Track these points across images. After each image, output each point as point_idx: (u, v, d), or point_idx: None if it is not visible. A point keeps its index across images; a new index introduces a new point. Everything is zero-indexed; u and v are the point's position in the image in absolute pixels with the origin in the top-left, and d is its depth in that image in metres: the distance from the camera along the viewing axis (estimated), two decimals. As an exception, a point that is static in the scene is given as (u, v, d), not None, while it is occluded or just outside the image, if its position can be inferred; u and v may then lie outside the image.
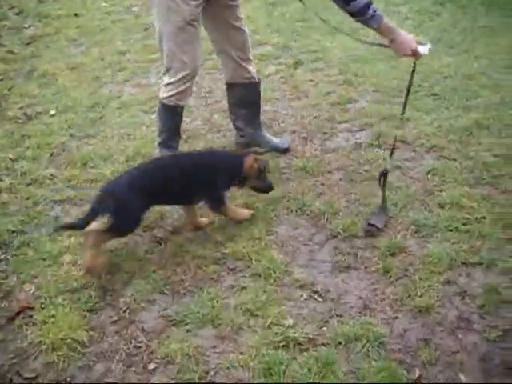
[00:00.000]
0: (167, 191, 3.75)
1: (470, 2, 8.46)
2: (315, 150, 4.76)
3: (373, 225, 3.82)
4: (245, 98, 4.63)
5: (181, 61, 4.11)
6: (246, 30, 4.49)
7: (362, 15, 3.79)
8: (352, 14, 3.82)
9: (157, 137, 4.48)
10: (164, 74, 4.27)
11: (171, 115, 4.36)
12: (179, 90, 4.21)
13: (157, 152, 4.45)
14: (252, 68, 4.59)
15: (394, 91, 5.74)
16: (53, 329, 3.17)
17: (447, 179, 4.32)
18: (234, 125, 4.83)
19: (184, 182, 3.72)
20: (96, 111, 5.66)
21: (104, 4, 9.14)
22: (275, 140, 4.82)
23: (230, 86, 4.68)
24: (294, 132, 5.09)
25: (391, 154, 4.04)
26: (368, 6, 3.75)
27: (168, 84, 4.23)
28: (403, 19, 7.92)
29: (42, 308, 3.35)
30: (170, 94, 4.23)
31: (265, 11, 8.30)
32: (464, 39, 7.18)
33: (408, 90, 4.03)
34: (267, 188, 4.02)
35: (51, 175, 4.60)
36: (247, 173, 3.86)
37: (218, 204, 3.87)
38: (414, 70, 3.95)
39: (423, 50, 3.88)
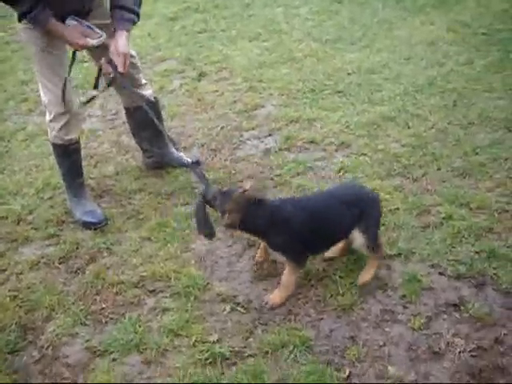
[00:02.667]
0: None
1: (366, -3, 8.62)
2: (225, 161, 4.74)
3: None
4: (145, 120, 4.45)
5: (50, 92, 3.92)
6: (134, 54, 4.30)
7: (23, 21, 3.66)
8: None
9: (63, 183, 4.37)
10: (45, 112, 4.09)
11: (66, 155, 4.21)
12: (62, 123, 4.02)
13: (68, 205, 4.32)
14: (147, 91, 4.44)
15: (299, 93, 5.79)
16: (-28, 378, 3.05)
17: (359, 174, 4.37)
18: (140, 147, 4.75)
19: None
20: (1, 145, 5.49)
21: (2, 34, 8.91)
22: (184, 156, 4.76)
23: (128, 111, 4.58)
24: (202, 145, 5.05)
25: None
26: (25, 14, 3.57)
27: (50, 121, 4.04)
28: (303, 20, 8.00)
29: (-41, 357, 3.20)
30: (55, 132, 4.06)
31: (165, 26, 8.24)
32: (364, 35, 7.28)
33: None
34: None
35: (-42, 215, 4.42)
36: None
37: None
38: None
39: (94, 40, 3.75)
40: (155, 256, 3.78)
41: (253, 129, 5.25)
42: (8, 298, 3.55)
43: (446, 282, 3.38)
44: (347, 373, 2.89)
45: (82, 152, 5.03)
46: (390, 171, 4.41)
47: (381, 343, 3.04)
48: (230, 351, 3.04)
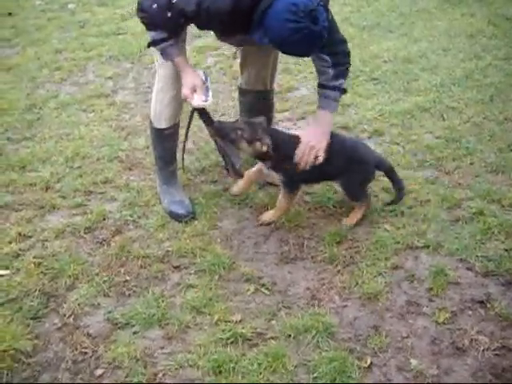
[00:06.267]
0: None
1: (407, -15, 8.52)
2: (257, 141, 4.69)
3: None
4: (255, 106, 4.33)
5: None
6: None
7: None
8: None
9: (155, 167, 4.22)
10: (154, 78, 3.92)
11: (160, 139, 4.03)
12: (170, 95, 3.82)
13: (158, 190, 4.16)
14: (270, 76, 4.29)
15: (334, 77, 5.73)
16: (-6, 341, 3.05)
17: (391, 163, 4.31)
18: None
19: None
20: (33, 112, 5.49)
21: (39, 2, 8.91)
22: None
23: (242, 92, 4.43)
24: (235, 123, 5.00)
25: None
26: (157, 42, 3.48)
27: (158, 92, 3.87)
28: (341, 5, 7.92)
29: (-18, 320, 3.21)
30: (159, 108, 3.89)
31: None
32: (403, 23, 7.22)
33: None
34: None
35: (-12, 180, 4.43)
36: None
37: None
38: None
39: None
40: (181, 232, 3.77)
41: (286, 111, 5.24)
42: (33, 265, 3.55)
43: (474, 278, 3.34)
44: (369, 362, 2.86)
45: (113, 124, 5.10)
46: (422, 162, 4.36)
47: (404, 335, 3.01)
48: (252, 332, 3.03)
